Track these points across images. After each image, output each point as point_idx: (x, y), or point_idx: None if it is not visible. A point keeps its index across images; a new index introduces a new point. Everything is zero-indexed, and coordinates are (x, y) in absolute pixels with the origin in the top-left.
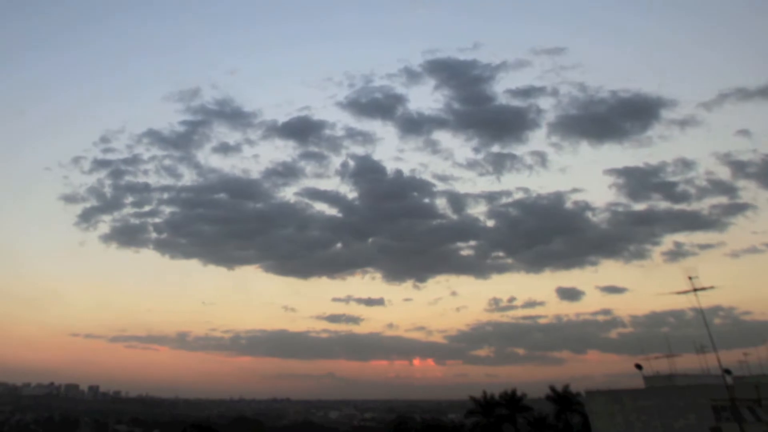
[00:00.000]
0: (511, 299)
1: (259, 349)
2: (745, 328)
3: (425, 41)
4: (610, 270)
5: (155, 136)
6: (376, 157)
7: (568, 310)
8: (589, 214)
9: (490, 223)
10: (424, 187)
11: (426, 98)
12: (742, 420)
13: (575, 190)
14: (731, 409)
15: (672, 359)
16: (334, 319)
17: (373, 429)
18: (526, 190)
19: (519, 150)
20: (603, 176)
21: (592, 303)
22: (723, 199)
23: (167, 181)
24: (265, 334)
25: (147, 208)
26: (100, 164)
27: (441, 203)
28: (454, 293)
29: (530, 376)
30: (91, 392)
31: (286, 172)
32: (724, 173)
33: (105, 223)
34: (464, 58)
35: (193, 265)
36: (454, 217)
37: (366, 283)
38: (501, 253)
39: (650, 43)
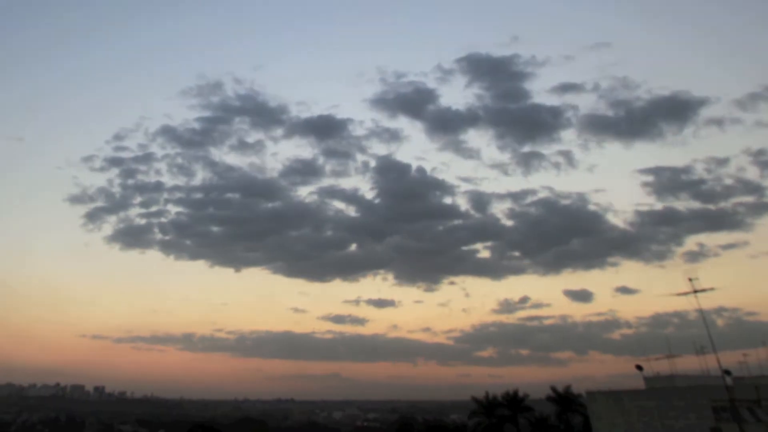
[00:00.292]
0: (523, 299)
1: (264, 350)
2: (747, 329)
3: (460, 37)
4: (629, 271)
5: (171, 134)
6: (400, 155)
7: (576, 311)
8: (610, 215)
9: (510, 223)
10: (446, 186)
11: (456, 95)
12: (742, 420)
13: (598, 190)
14: (731, 410)
15: (672, 360)
16: (339, 320)
17: (376, 429)
18: (551, 189)
19: (548, 149)
20: (631, 175)
21: (602, 304)
22: (749, 198)
23: (178, 180)
24: (271, 335)
25: (154, 209)
26: (111, 162)
27: (462, 202)
28: (467, 295)
29: (533, 377)
30: (97, 393)
31: (306, 171)
32: (753, 173)
33: (109, 224)
34: (501, 53)
35: (199, 266)
36: (477, 215)
37: (377, 285)
38: (517, 254)
39: (688, 39)
